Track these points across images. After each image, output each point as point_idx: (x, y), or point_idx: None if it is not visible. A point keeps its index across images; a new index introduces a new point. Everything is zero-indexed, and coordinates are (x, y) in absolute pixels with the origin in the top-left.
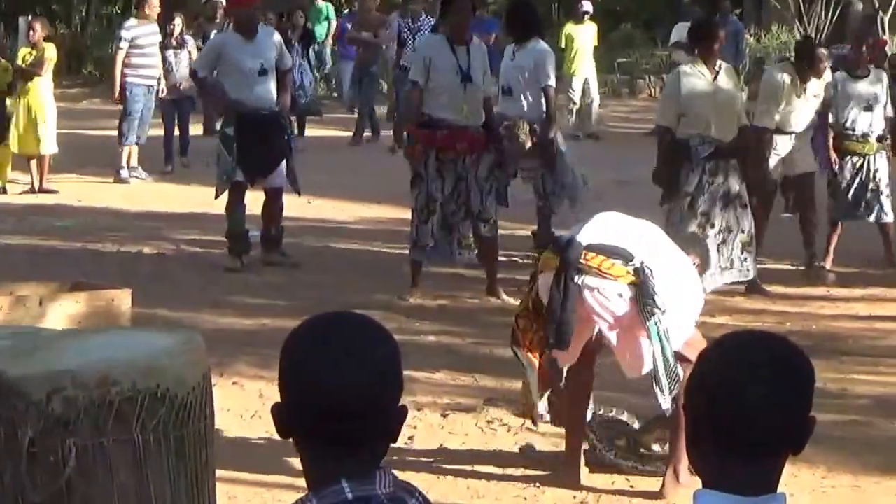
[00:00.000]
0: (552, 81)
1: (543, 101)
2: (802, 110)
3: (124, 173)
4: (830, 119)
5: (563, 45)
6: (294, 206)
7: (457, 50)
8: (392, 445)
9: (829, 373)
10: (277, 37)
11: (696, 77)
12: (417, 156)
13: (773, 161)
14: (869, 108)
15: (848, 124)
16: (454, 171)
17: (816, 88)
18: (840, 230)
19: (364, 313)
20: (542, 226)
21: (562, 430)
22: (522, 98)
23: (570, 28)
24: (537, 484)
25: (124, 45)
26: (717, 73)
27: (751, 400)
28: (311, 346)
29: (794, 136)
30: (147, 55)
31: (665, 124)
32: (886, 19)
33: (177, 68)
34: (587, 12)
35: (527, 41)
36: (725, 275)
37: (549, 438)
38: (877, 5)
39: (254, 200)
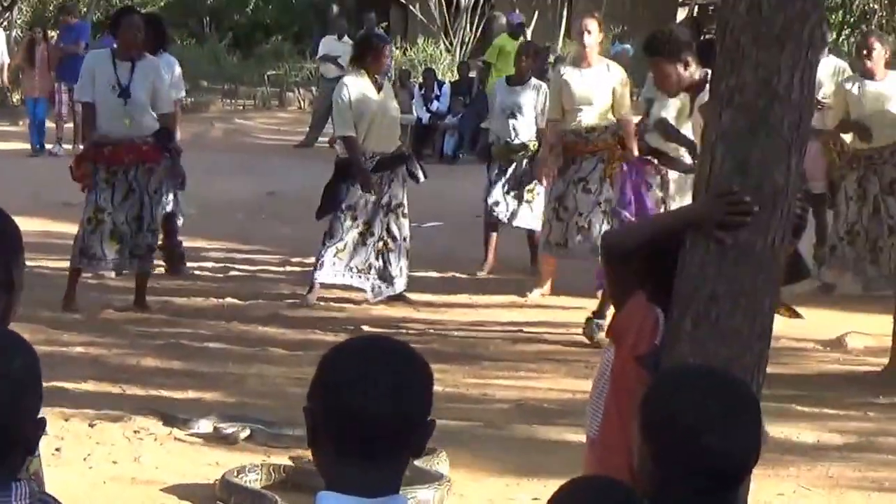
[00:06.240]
0: None
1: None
2: None
3: None
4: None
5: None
6: None
7: (118, 65)
8: (39, 456)
9: (471, 378)
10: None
11: (361, 89)
12: (83, 175)
13: None
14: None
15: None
16: (125, 181)
17: None
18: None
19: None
20: None
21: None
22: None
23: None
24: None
25: None
26: (381, 86)
27: (365, 403)
28: None
29: None
30: None
31: (346, 134)
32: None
33: None
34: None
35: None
36: (356, 278)
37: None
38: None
39: None
